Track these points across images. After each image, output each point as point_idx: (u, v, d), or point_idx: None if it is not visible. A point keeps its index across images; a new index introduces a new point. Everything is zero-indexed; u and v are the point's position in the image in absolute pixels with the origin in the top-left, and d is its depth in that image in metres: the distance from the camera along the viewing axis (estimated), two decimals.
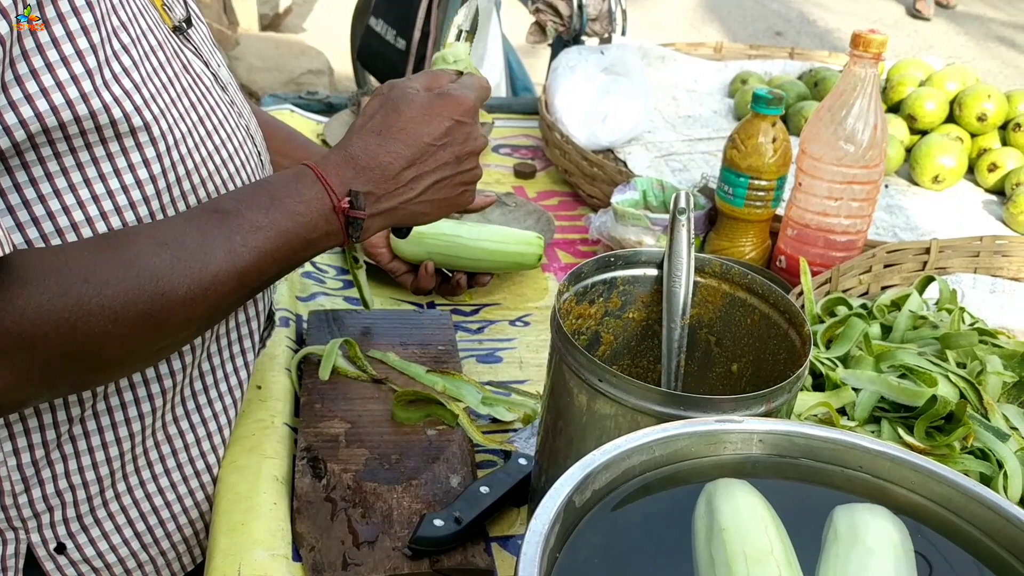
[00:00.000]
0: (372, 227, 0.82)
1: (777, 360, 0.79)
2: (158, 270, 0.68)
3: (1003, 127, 1.65)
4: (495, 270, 1.17)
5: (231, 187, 0.82)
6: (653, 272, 0.86)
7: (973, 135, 1.66)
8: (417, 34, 2.47)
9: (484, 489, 0.83)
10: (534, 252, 1.19)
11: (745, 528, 0.53)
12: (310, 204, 0.77)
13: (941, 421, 0.85)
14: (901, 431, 0.84)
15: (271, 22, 5.03)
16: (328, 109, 1.80)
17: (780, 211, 1.24)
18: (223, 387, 0.88)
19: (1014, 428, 0.88)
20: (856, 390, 0.91)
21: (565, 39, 1.89)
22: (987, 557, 0.54)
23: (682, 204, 0.84)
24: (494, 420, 1.00)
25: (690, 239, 0.84)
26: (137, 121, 0.71)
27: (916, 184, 1.60)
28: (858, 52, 1.08)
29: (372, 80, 3.13)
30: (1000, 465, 0.80)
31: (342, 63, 4.09)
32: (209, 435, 0.88)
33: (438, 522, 0.79)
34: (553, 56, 2.00)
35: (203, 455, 0.88)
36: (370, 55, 2.74)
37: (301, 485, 0.86)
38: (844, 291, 1.12)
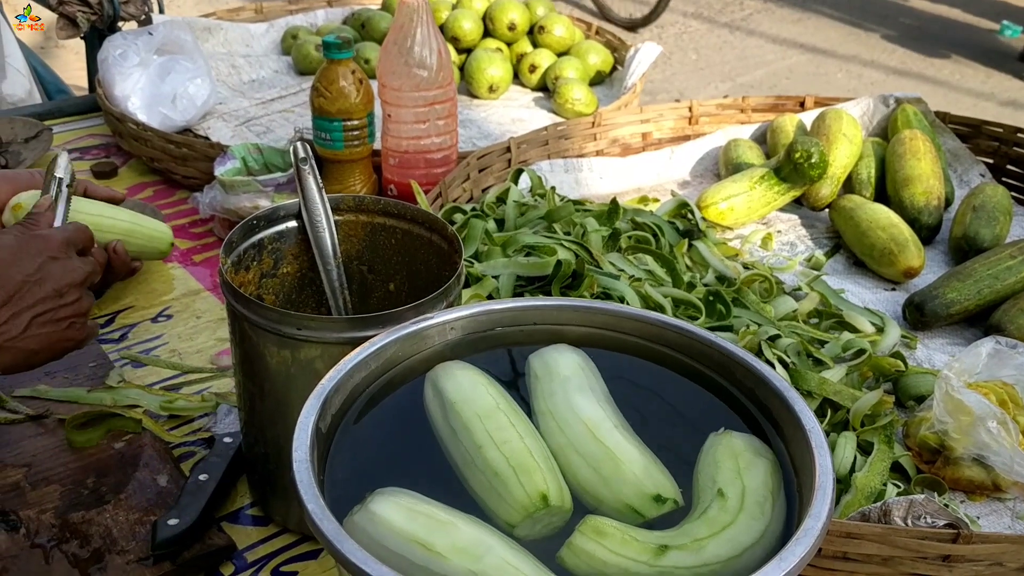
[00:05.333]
0: None
1: (430, 266, 0.88)
2: None
3: (531, 32, 1.88)
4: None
5: None
6: (294, 224, 0.90)
7: (509, 44, 1.86)
8: None
9: (203, 476, 0.83)
10: (166, 238, 1.18)
11: (470, 396, 0.61)
12: None
13: (570, 280, 1.00)
14: None
15: None
16: None
17: (377, 145, 1.32)
18: None
19: (621, 270, 1.05)
20: (495, 278, 1.03)
21: (100, 28, 1.79)
22: (642, 351, 0.67)
23: (302, 154, 0.88)
24: (172, 416, 0.98)
25: (319, 184, 0.89)
26: None
27: (476, 97, 1.77)
28: None
29: None
30: (622, 299, 0.97)
31: None
32: None
33: (172, 521, 0.78)
34: (90, 48, 1.89)
35: None
36: None
37: None
38: (454, 201, 1.24)
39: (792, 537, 0.49)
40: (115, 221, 1.12)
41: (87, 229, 0.93)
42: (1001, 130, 1.43)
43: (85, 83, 2.06)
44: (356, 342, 0.67)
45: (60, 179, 0.98)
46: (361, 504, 0.53)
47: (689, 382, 0.66)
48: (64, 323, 0.86)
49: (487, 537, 0.52)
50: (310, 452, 0.54)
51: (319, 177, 0.89)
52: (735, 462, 0.58)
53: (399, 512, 0.52)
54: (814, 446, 0.55)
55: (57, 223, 0.95)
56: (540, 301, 0.69)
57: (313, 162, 0.89)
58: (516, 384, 0.66)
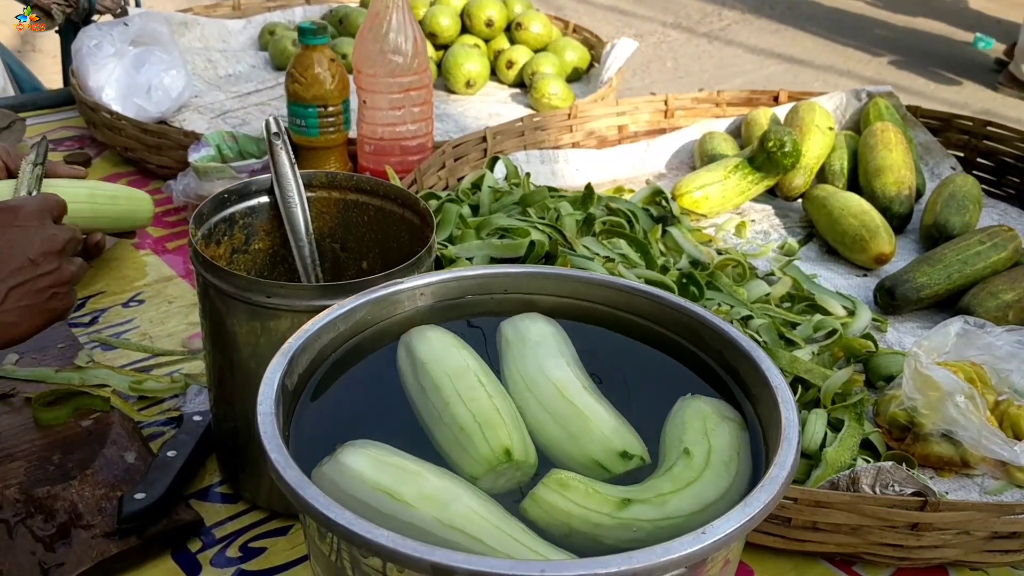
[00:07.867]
0: None
1: (402, 243, 0.88)
2: None
3: (508, 29, 1.88)
4: (106, 229, 1.15)
5: None
6: (266, 200, 0.89)
7: (486, 40, 1.87)
8: None
9: (171, 453, 0.83)
10: (147, 208, 1.21)
11: (442, 356, 0.61)
12: None
13: (542, 261, 1.00)
14: None
15: None
16: None
17: (352, 133, 1.32)
18: None
19: (596, 253, 1.05)
20: (469, 259, 1.03)
21: (75, 21, 1.78)
22: (612, 321, 0.67)
23: (274, 129, 0.88)
24: (141, 397, 0.98)
25: (291, 159, 0.88)
26: None
27: (453, 92, 1.78)
28: None
29: None
30: None
31: None
32: None
33: (139, 495, 0.77)
34: (65, 42, 1.88)
35: None
36: None
37: None
38: (430, 188, 1.24)
39: (758, 484, 0.49)
40: (93, 194, 1.13)
41: (57, 197, 0.92)
42: (971, 123, 1.45)
43: (61, 83, 2.05)
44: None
45: (27, 158, 0.97)
46: (330, 456, 0.53)
47: (658, 352, 0.66)
48: (45, 293, 0.84)
49: (454, 486, 0.51)
50: (275, 406, 0.54)
51: (292, 153, 0.89)
52: (702, 423, 0.58)
53: (368, 462, 0.52)
54: (780, 401, 0.55)
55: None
56: (511, 268, 0.69)
57: (286, 137, 0.89)
58: (487, 350, 0.65)
